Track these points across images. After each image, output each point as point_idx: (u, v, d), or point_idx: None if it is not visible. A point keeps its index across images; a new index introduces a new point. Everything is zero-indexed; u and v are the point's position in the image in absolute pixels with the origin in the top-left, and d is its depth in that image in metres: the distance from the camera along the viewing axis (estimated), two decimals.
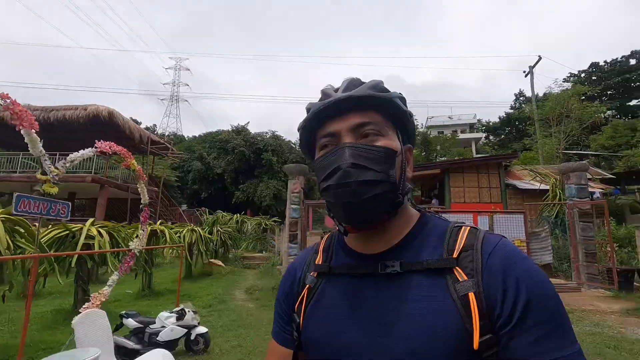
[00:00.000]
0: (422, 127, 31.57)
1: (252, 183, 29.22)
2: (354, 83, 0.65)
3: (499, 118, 43.55)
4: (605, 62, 36.33)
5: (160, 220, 17.27)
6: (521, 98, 43.06)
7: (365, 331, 0.59)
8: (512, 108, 42.82)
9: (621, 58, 35.56)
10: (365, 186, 0.58)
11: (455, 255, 0.58)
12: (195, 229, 10.62)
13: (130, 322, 4.22)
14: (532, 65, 21.13)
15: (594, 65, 36.85)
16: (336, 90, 0.67)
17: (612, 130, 27.79)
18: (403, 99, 0.67)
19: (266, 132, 32.30)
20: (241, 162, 29.21)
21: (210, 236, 11.23)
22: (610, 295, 6.78)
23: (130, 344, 4.04)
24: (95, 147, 4.10)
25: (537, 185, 13.49)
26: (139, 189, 4.87)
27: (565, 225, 8.64)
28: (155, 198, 20.37)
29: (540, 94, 29.98)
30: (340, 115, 0.63)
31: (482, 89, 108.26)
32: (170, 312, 4.36)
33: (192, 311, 4.40)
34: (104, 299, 4.07)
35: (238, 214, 18.36)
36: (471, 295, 0.54)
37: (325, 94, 0.66)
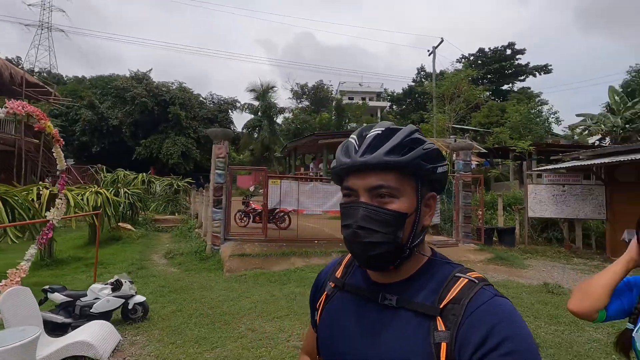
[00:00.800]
0: (336, 93, 32.59)
1: (156, 138, 26.81)
2: (379, 139, 0.67)
3: (402, 90, 47.28)
4: (489, 48, 41.90)
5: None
6: (422, 73, 47.36)
7: (357, 347, 0.70)
8: (414, 81, 46.90)
9: (501, 47, 41.45)
10: (371, 246, 0.65)
11: (441, 305, 0.63)
12: (101, 191, 9.68)
13: (58, 297, 4.00)
14: (435, 46, 23.38)
15: (481, 50, 42.20)
16: (359, 137, 0.69)
17: (487, 109, 32.94)
18: (429, 155, 0.67)
19: (172, 83, 29.42)
20: (143, 115, 26.33)
21: (117, 198, 10.36)
22: (478, 249, 8.74)
23: (60, 318, 3.88)
24: (5, 107, 3.59)
25: None
26: (54, 154, 4.38)
27: (452, 193, 10.51)
28: (34, 151, 17.37)
29: (438, 71, 33.54)
30: (360, 173, 0.67)
31: (389, 61, 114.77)
32: (104, 284, 4.24)
33: (129, 281, 4.35)
34: (23, 275, 3.79)
35: (144, 173, 16.93)
36: (444, 345, 0.60)
37: (347, 147, 0.70)
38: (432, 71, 26.03)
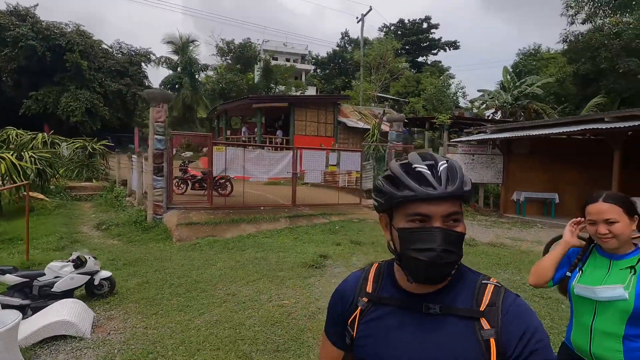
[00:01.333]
0: (261, 52, 31.26)
1: (50, 91, 22.85)
2: (449, 173, 0.74)
3: (327, 54, 47.39)
4: (408, 20, 44.01)
5: None
6: (346, 38, 47.86)
7: (410, 355, 0.75)
8: (338, 46, 47.24)
9: (418, 20, 43.86)
10: (449, 265, 0.73)
11: (482, 308, 0.75)
12: (4, 155, 8.29)
13: (11, 278, 3.65)
14: (364, 13, 23.83)
15: (401, 21, 44.12)
16: (431, 169, 0.74)
17: (405, 80, 35.33)
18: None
19: (66, 24, 24.78)
20: (31, 61, 22.02)
21: (23, 163, 8.97)
22: None
23: (17, 301, 3.58)
24: None
25: (361, 125, 16.56)
26: None
27: (382, 160, 11.53)
28: None
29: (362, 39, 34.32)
30: (438, 201, 0.72)
31: (314, 22, 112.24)
32: (65, 261, 3.96)
33: (92, 257, 4.12)
34: None
35: (44, 133, 14.57)
36: (492, 340, 0.72)
37: (425, 178, 0.73)
38: (357, 37, 26.65)
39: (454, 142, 11.96)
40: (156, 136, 7.70)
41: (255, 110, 16.20)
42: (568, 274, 1.60)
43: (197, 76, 26.96)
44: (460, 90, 28.72)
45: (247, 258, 5.74)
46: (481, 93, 28.92)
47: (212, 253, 6.10)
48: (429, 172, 0.73)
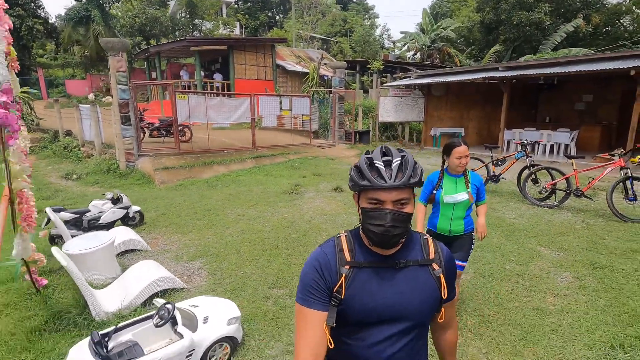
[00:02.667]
0: None
1: None
2: (400, 168, 1.00)
3: None
4: None
5: None
6: None
7: (391, 297, 1.03)
8: None
9: None
10: (397, 236, 1.00)
11: (432, 257, 1.09)
12: None
13: (65, 215, 4.46)
14: None
15: None
16: (386, 165, 1.00)
17: (332, 18, 35.45)
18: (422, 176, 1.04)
19: None
20: None
21: None
22: (349, 147, 11.72)
23: (76, 232, 4.46)
24: None
25: (300, 68, 17.32)
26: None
27: (326, 103, 12.88)
28: None
29: None
30: (390, 190, 0.98)
31: None
32: (105, 200, 4.82)
33: (124, 195, 5.00)
34: None
35: None
36: (442, 276, 1.08)
37: (380, 173, 0.99)
38: None
39: (385, 86, 13.71)
40: (119, 86, 7.91)
41: (192, 52, 15.76)
42: (434, 191, 2.71)
43: (107, 9, 23.82)
44: (385, 33, 30.15)
45: (234, 192, 6.95)
46: (403, 35, 30.78)
47: (201, 190, 7.16)
48: (384, 168, 0.98)
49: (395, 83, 13.32)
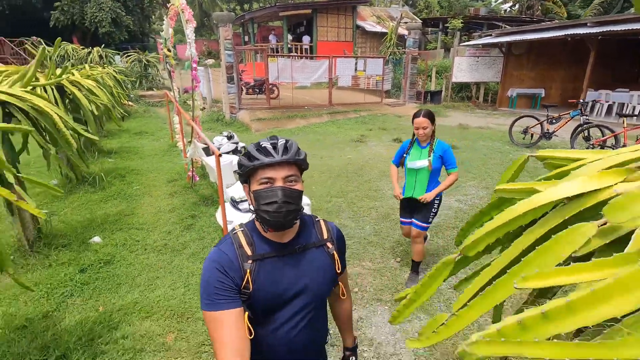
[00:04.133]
0: None
1: (73, 0, 23.32)
2: (286, 146, 1.05)
3: None
4: None
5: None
6: None
7: (295, 280, 1.09)
8: None
9: None
10: (290, 213, 1.03)
11: (325, 237, 1.18)
12: (109, 70, 10.65)
13: (199, 144, 6.55)
14: None
15: None
16: (273, 146, 1.04)
17: None
18: (305, 157, 1.10)
19: None
20: None
21: (120, 76, 11.37)
22: (418, 107, 12.45)
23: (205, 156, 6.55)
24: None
25: (379, 29, 17.81)
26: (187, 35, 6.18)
27: (400, 64, 13.54)
28: None
29: None
30: (276, 167, 1.02)
31: None
32: (222, 137, 6.85)
33: (235, 134, 6.98)
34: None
35: (98, 47, 16.40)
36: (335, 254, 1.17)
37: (267, 151, 1.03)
38: None
39: (462, 45, 13.70)
40: (226, 52, 9.91)
41: (281, 17, 17.38)
42: (405, 155, 2.95)
43: None
44: None
45: (311, 139, 8.61)
46: None
47: (285, 137, 8.99)
48: (270, 146, 1.04)
49: (472, 42, 13.26)
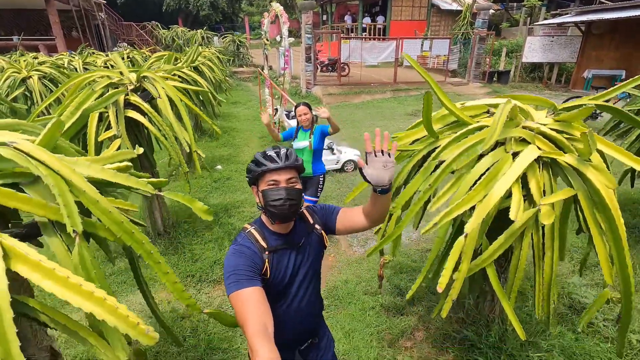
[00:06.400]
0: None
1: None
2: (287, 155, 1.28)
3: None
4: None
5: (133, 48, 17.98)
6: None
7: (300, 263, 1.36)
8: None
9: None
10: (292, 207, 1.25)
11: (311, 222, 1.41)
12: (214, 51, 13.14)
13: (281, 110, 8.47)
14: None
15: None
16: (277, 154, 1.27)
17: None
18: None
19: None
20: None
21: (222, 56, 13.83)
22: (482, 86, 12.90)
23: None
24: None
25: (455, 7, 17.89)
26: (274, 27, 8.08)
27: (468, 44, 13.92)
28: (94, 9, 19.12)
29: None
30: (280, 171, 1.26)
31: None
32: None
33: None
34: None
35: (201, 29, 19.39)
36: (322, 232, 1.42)
37: (272, 158, 1.26)
38: None
39: (536, 25, 13.50)
40: (306, 35, 11.62)
41: None
42: (294, 138, 3.47)
43: None
44: None
45: (372, 112, 10.04)
46: None
47: (351, 110, 10.55)
48: (275, 154, 1.27)
49: (547, 22, 13.04)
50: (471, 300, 2.61)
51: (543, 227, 1.70)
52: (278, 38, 23.88)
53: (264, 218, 1.35)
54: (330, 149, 5.85)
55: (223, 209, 4.52)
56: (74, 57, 8.67)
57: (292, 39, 18.29)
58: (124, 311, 0.97)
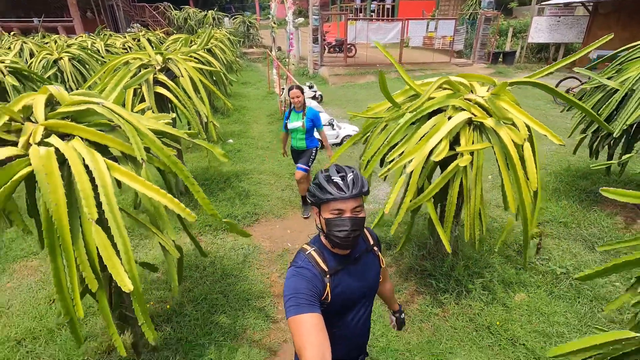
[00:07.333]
0: None
1: None
2: (354, 181, 1.20)
3: None
4: None
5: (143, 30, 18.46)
6: None
7: (360, 284, 1.34)
8: None
9: None
10: (356, 237, 1.23)
11: (371, 242, 1.42)
12: (225, 33, 13.59)
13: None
14: None
15: None
16: (342, 179, 1.20)
17: None
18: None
19: None
20: None
21: (232, 37, 14.27)
22: (486, 67, 13.11)
23: None
24: None
25: None
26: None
27: (474, 24, 14.03)
28: None
29: None
30: (348, 199, 1.19)
31: None
32: (306, 86, 9.21)
33: (315, 85, 9.27)
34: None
35: (212, 10, 19.71)
36: (379, 254, 1.43)
37: (339, 186, 1.19)
38: None
39: (544, 4, 13.50)
40: (313, 16, 11.96)
41: None
42: (286, 121, 3.96)
43: None
44: None
45: (375, 91, 10.48)
46: None
47: (355, 89, 11.00)
48: (341, 182, 1.20)
49: (555, 2, 13.04)
50: (432, 241, 3.24)
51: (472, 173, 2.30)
52: (287, 18, 24.14)
53: (323, 240, 1.30)
54: (331, 124, 6.42)
55: (234, 175, 5.19)
56: (95, 40, 9.28)
57: (301, 19, 18.56)
58: (173, 200, 1.64)
